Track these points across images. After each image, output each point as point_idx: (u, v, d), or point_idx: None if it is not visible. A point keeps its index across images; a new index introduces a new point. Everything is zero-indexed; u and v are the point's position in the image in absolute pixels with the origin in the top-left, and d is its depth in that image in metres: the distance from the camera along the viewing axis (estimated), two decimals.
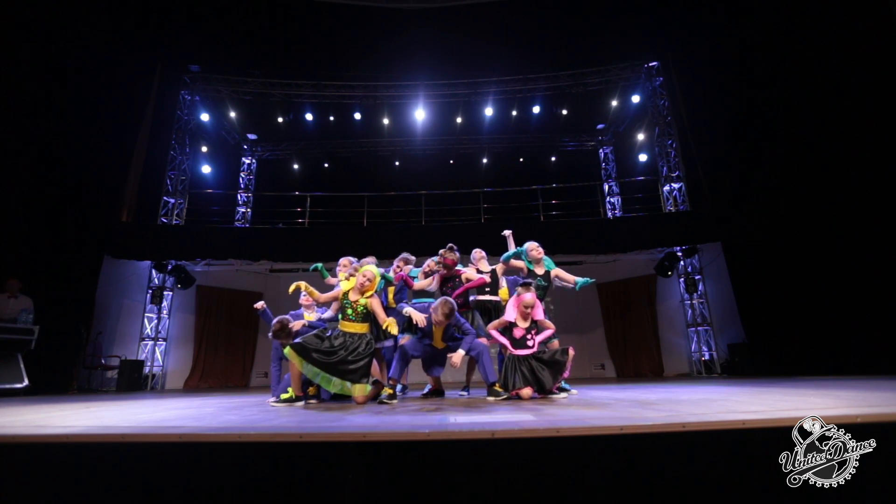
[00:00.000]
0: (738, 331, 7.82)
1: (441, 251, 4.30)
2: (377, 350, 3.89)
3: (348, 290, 3.42)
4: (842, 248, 6.47)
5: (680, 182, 9.59)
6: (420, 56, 9.74)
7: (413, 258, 4.70)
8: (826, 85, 6.86)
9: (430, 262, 4.59)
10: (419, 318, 3.46)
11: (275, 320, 3.78)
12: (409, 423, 2.00)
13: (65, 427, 2.00)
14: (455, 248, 4.31)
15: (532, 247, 4.31)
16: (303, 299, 4.35)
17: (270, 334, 3.79)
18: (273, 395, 3.81)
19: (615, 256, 9.65)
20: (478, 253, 4.57)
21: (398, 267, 4.54)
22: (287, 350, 3.25)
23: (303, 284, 3.68)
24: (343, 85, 10.49)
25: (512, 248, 4.53)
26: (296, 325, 3.95)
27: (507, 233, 4.72)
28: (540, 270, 4.28)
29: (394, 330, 3.28)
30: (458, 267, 4.41)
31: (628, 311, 9.90)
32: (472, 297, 4.31)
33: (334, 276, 4.38)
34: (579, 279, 4.13)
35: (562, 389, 3.73)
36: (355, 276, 3.49)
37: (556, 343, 3.80)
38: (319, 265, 4.44)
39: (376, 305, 3.39)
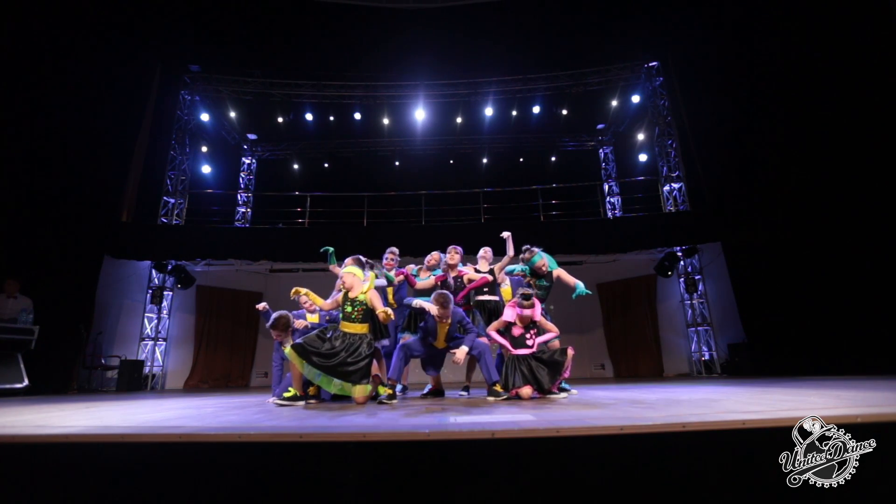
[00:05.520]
0: (738, 331, 7.82)
1: (446, 256, 4.35)
2: (376, 349, 3.90)
3: (348, 292, 3.43)
4: (842, 247, 6.47)
5: (680, 182, 9.59)
6: (420, 56, 9.74)
7: (396, 250, 4.75)
8: (826, 84, 6.87)
9: (435, 255, 4.62)
10: (432, 307, 3.51)
11: (277, 313, 3.79)
12: (409, 423, 2.00)
13: (65, 427, 2.00)
14: (457, 248, 4.37)
15: (541, 263, 4.20)
16: (302, 300, 4.36)
17: (269, 325, 3.79)
18: (274, 394, 3.81)
19: (615, 256, 9.65)
20: (484, 252, 4.58)
21: (389, 260, 4.59)
22: (288, 350, 3.26)
23: (303, 290, 3.65)
24: (343, 85, 10.50)
25: (511, 251, 4.52)
26: (299, 324, 3.94)
27: (506, 235, 4.60)
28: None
29: (391, 317, 3.28)
30: (459, 267, 4.43)
31: (628, 311, 9.90)
32: (473, 298, 4.32)
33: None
34: (579, 284, 4.08)
35: (562, 389, 3.73)
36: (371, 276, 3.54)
37: (556, 343, 3.80)
38: (331, 249, 4.47)
39: (375, 300, 3.40)
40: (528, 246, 4.24)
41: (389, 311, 3.26)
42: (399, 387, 4.40)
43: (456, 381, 8.33)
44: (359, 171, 12.22)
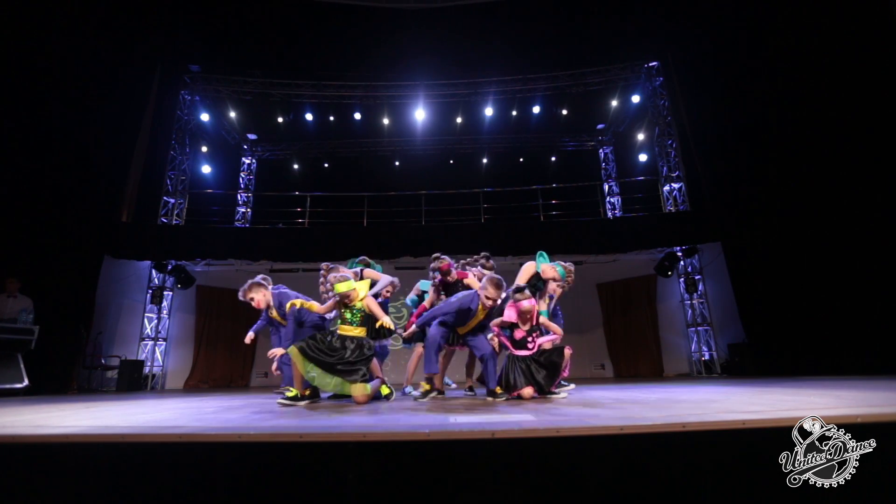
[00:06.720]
0: (738, 331, 7.81)
1: (432, 265, 4.30)
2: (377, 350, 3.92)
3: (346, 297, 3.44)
4: (841, 247, 6.47)
5: (680, 182, 9.59)
6: (420, 56, 9.74)
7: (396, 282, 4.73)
8: (826, 85, 6.87)
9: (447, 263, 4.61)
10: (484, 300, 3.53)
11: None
12: (409, 423, 2.00)
13: (65, 427, 2.00)
14: (441, 256, 4.33)
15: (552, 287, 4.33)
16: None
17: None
18: (283, 383, 3.83)
19: (615, 256, 9.65)
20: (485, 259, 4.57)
21: (387, 292, 4.50)
22: (291, 349, 3.30)
23: (298, 302, 3.71)
24: (343, 85, 10.49)
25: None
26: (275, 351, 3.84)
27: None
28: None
29: (390, 327, 3.34)
30: (461, 270, 4.43)
31: (628, 311, 9.89)
32: None
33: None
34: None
35: (560, 386, 3.73)
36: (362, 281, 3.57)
37: (549, 343, 3.79)
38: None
39: (373, 305, 3.42)
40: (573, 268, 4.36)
41: (389, 321, 3.32)
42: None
43: (456, 381, 8.32)
44: (359, 171, 12.21)
